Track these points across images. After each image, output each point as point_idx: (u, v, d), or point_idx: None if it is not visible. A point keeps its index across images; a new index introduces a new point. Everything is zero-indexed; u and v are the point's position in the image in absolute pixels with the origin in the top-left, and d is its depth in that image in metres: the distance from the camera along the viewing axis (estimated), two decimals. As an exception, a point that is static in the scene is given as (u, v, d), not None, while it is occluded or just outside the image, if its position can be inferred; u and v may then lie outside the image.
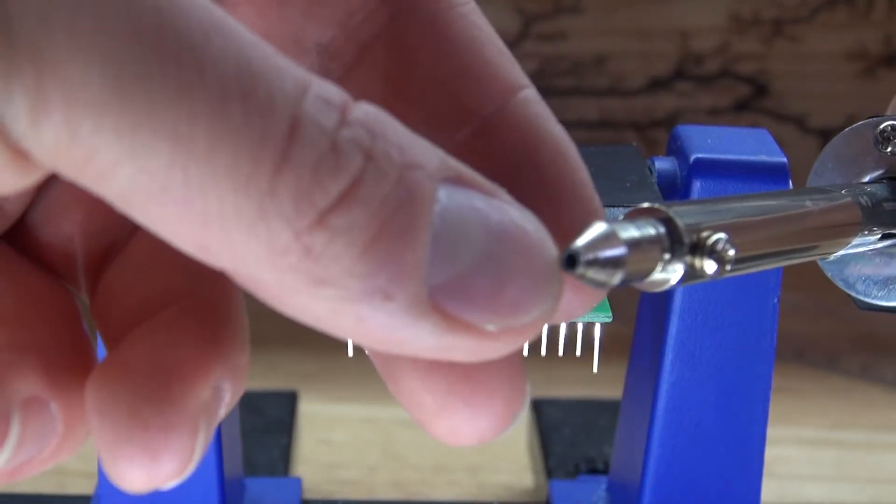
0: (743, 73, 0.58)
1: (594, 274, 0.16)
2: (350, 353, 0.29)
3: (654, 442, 0.34)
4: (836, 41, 0.58)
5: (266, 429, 0.46)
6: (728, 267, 0.18)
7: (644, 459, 0.35)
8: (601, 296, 0.18)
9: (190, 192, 0.13)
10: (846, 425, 0.51)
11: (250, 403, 0.47)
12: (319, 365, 0.53)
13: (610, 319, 0.29)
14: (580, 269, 0.15)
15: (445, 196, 0.15)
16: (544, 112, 0.18)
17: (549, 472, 0.43)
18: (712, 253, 0.18)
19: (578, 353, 0.30)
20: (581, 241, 0.15)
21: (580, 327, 0.30)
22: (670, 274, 0.18)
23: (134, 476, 0.16)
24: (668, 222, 0.17)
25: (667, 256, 0.17)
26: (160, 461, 0.15)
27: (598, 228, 0.16)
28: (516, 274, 0.15)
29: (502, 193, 0.15)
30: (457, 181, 0.15)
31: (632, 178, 0.32)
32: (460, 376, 0.16)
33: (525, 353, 0.31)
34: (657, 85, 0.58)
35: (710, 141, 0.32)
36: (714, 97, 0.59)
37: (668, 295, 0.33)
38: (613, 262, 0.16)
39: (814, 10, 0.57)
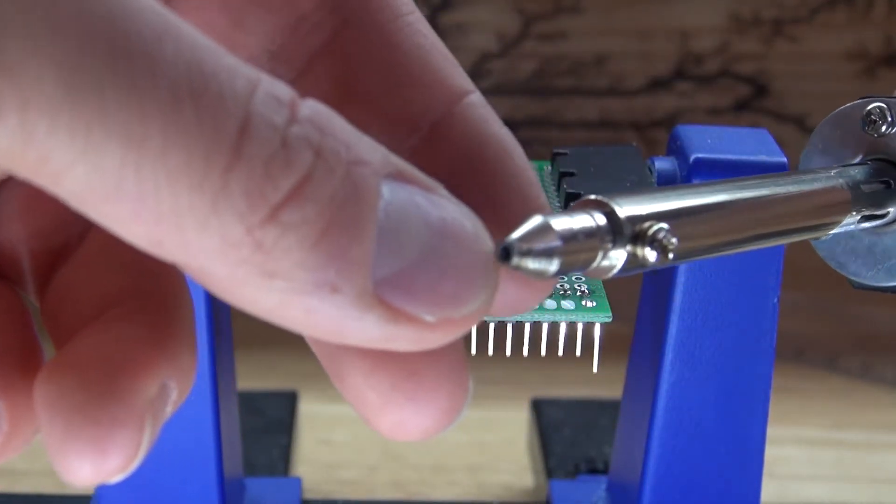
0: (743, 73, 0.58)
1: (529, 264, 0.16)
2: None
3: (654, 442, 0.34)
4: (836, 41, 0.58)
5: (266, 429, 0.46)
6: (670, 255, 0.18)
7: (644, 459, 0.35)
8: (548, 289, 0.19)
9: (143, 189, 0.13)
10: (846, 425, 0.51)
11: (250, 403, 0.47)
12: (319, 365, 0.53)
13: (610, 319, 0.29)
14: (515, 261, 0.16)
15: (388, 192, 0.15)
16: (489, 115, 0.19)
17: (549, 472, 0.43)
18: (653, 242, 0.18)
19: (578, 353, 0.30)
20: (516, 234, 0.16)
21: (580, 327, 0.30)
22: (614, 262, 0.18)
23: (81, 470, 0.16)
24: (610, 213, 0.18)
25: (608, 246, 0.18)
26: (107, 456, 0.16)
27: (533, 221, 0.16)
28: (454, 268, 0.15)
29: (441, 189, 0.16)
30: (398, 177, 0.15)
31: (632, 178, 0.32)
32: (404, 372, 0.17)
33: (525, 353, 0.30)
34: (657, 85, 0.58)
35: (710, 141, 0.32)
36: (714, 97, 0.59)
37: (667, 295, 0.33)
38: (548, 253, 0.16)
39: (813, 10, 0.57)
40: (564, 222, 0.17)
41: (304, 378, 0.51)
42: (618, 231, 0.18)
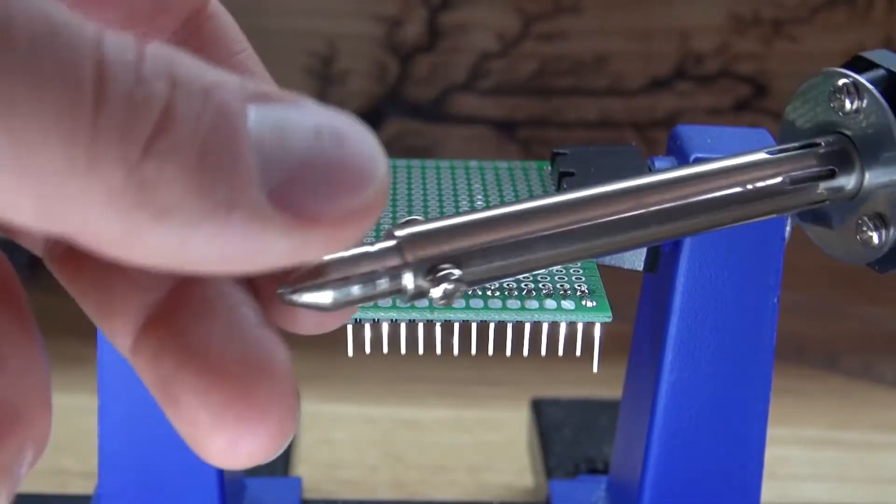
0: (743, 73, 0.58)
1: (303, 299, 0.17)
2: (350, 353, 0.29)
3: (654, 442, 0.34)
4: (836, 41, 0.58)
5: None
6: (454, 294, 0.18)
7: (644, 459, 0.35)
8: (344, 315, 0.19)
9: (20, 152, 0.13)
10: (847, 425, 0.51)
11: None
12: (319, 365, 0.52)
13: (610, 319, 0.29)
14: (292, 297, 0.17)
15: (254, 110, 0.15)
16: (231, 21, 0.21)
17: (549, 472, 0.43)
18: (435, 280, 0.19)
19: (578, 353, 0.29)
20: (294, 274, 0.17)
21: (580, 327, 0.30)
22: (405, 293, 0.19)
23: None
24: (397, 245, 0.18)
25: (397, 276, 0.18)
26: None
27: (313, 262, 0.17)
28: (339, 160, 0.15)
29: (305, 99, 0.16)
30: (260, 98, 0.15)
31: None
32: (238, 392, 0.17)
33: (525, 353, 0.30)
34: (657, 85, 0.58)
35: (710, 141, 0.32)
36: (714, 97, 0.59)
37: (668, 295, 0.33)
38: (319, 287, 0.17)
39: (813, 9, 0.57)
40: (341, 256, 0.18)
41: (305, 378, 0.52)
42: (403, 266, 0.18)
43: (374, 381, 0.54)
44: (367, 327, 0.30)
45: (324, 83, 0.60)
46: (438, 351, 0.29)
